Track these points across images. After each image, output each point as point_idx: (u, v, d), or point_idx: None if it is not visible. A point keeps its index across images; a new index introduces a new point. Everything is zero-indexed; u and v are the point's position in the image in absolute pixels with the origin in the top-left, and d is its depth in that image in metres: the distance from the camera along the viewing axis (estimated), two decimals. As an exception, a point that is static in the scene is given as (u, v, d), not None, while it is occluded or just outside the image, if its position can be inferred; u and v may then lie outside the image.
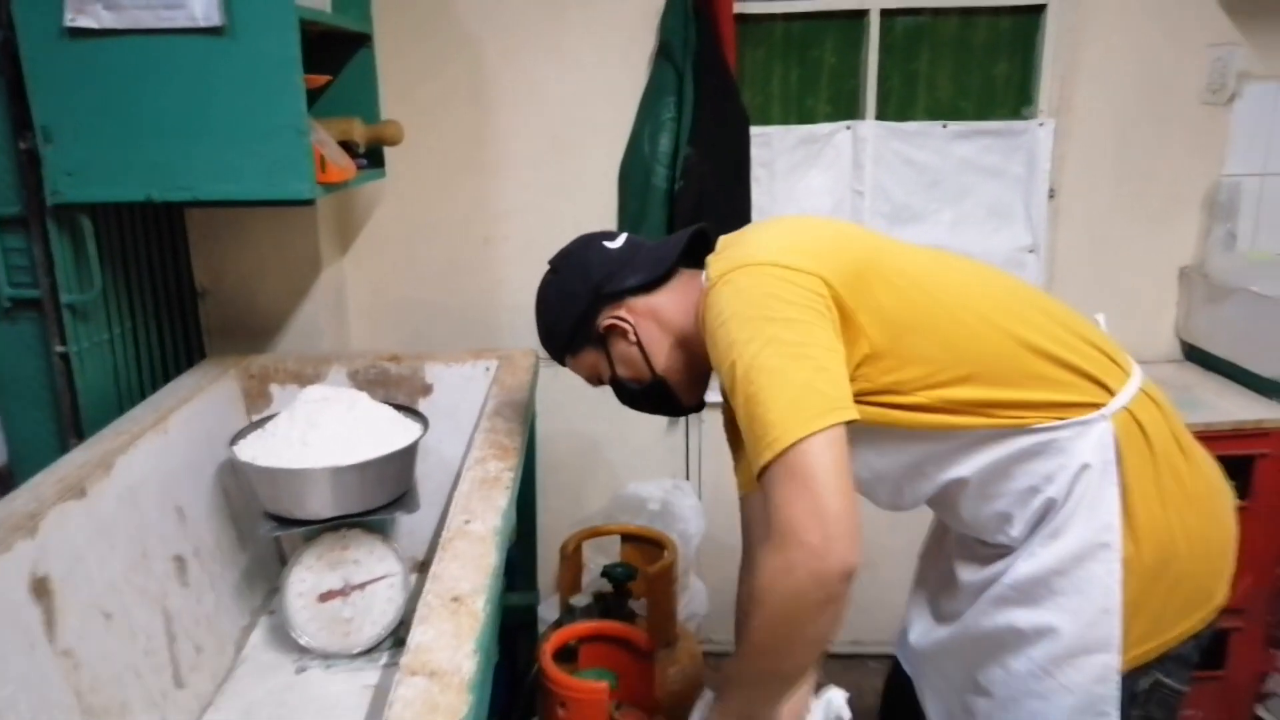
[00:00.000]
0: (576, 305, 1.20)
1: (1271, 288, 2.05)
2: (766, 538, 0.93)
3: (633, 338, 1.18)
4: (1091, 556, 1.04)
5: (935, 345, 1.03)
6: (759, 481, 0.94)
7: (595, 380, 1.28)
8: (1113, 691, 1.05)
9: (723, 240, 1.15)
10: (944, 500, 1.14)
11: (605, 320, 1.19)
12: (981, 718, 1.15)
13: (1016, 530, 1.09)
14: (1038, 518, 1.07)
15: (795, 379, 0.93)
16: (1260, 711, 2.17)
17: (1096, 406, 1.05)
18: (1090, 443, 1.04)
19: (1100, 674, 1.05)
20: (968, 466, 1.08)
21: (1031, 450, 1.05)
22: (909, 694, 1.32)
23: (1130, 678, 1.06)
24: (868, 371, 1.03)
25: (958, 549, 1.21)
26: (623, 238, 1.25)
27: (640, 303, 1.19)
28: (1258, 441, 1.96)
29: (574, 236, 1.33)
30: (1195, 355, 2.33)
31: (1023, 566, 1.07)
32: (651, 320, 1.18)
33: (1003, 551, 1.12)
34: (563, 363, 1.28)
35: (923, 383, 1.04)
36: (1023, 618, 1.07)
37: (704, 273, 1.10)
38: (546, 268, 1.28)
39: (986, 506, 1.10)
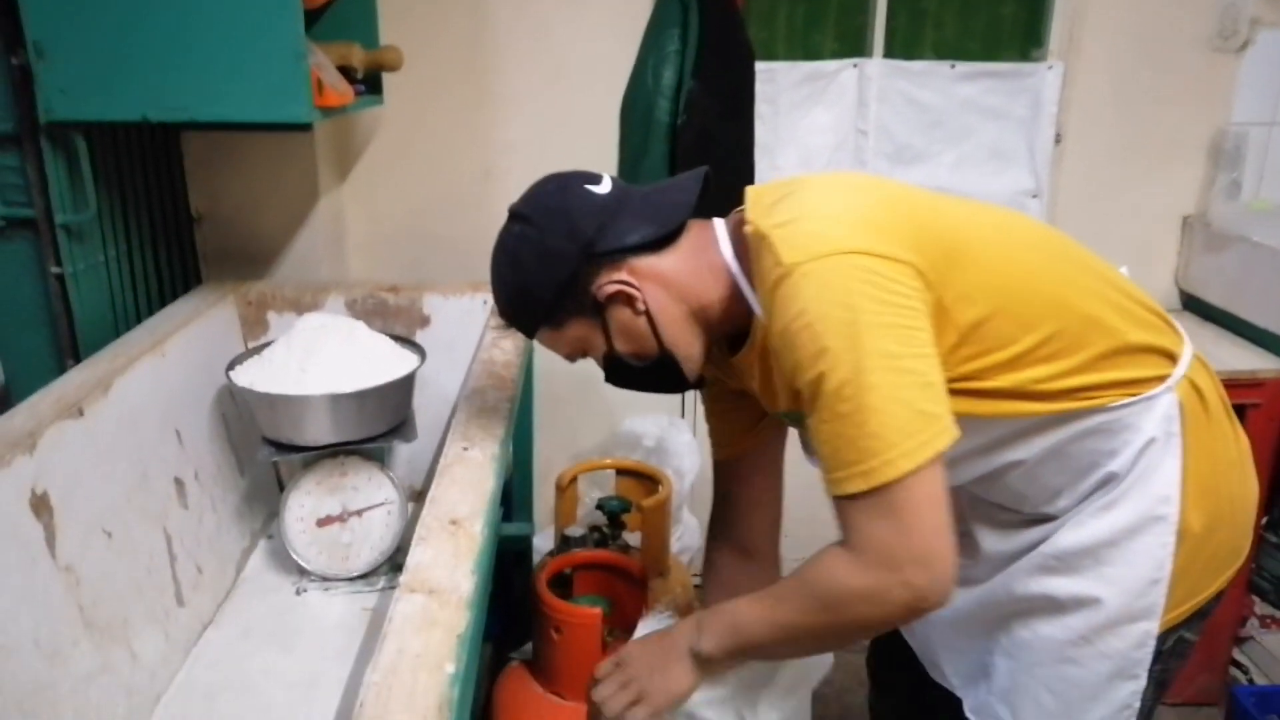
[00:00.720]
0: (562, 266, 0.99)
1: (1272, 237, 2.05)
2: (850, 550, 0.87)
3: (641, 306, 1.00)
4: (1145, 529, 1.01)
5: (1017, 327, 0.95)
6: (840, 501, 0.87)
7: (577, 356, 1.10)
8: (1148, 655, 1.05)
9: (760, 195, 0.99)
10: (988, 478, 1.07)
11: (606, 286, 1.00)
12: (1002, 677, 1.11)
13: (1064, 502, 1.05)
14: (1092, 490, 1.03)
15: (901, 397, 0.84)
16: (1237, 655, 2.23)
17: (1163, 379, 1.01)
18: (1156, 416, 1.00)
19: (1140, 640, 1.04)
20: (1030, 449, 1.01)
21: (1098, 428, 0.99)
22: (896, 643, 1.29)
23: (1161, 638, 1.06)
24: (947, 360, 0.93)
25: (975, 514, 1.14)
26: (607, 180, 1.05)
27: (644, 263, 1.00)
28: (1251, 391, 1.98)
29: (576, 170, 1.20)
30: (1193, 305, 2.34)
31: (1069, 536, 1.03)
32: (659, 285, 1.00)
33: (1037, 519, 1.08)
34: (530, 335, 1.08)
35: (1003, 368, 0.95)
36: (1062, 586, 1.04)
37: (721, 229, 1.00)
38: (508, 217, 1.05)
39: (1037, 483, 1.05)
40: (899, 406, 0.84)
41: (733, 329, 1.04)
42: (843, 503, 0.87)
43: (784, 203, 0.95)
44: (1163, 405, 1.01)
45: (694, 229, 1.03)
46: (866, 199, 0.96)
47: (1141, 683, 1.06)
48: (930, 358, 0.88)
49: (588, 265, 1.00)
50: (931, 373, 0.87)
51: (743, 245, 0.99)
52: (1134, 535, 1.01)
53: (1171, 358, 1.03)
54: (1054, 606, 1.05)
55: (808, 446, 1.15)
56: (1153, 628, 1.04)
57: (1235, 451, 1.08)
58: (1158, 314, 1.06)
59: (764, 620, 0.96)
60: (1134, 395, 0.99)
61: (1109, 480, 1.02)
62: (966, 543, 1.13)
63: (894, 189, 1.02)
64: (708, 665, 1.02)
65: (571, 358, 1.09)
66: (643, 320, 1.01)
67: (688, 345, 1.03)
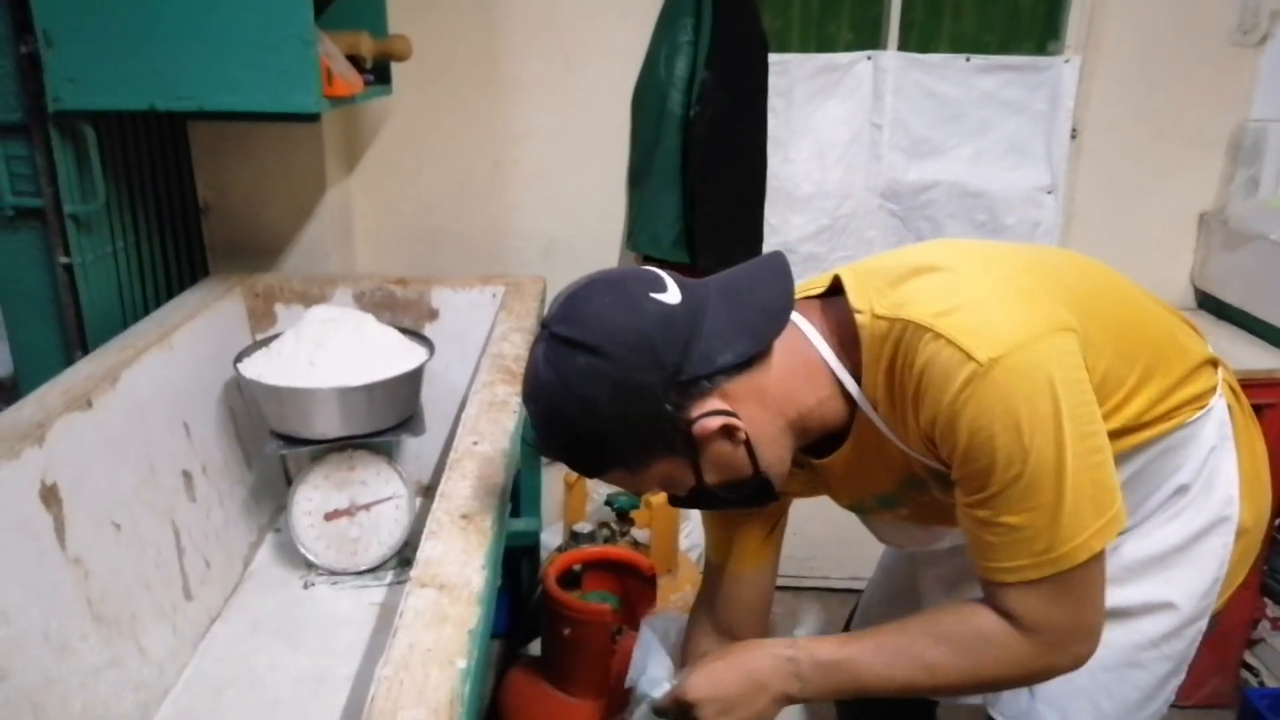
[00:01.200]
0: (646, 404, 0.83)
1: (1291, 235, 2.02)
2: (1021, 631, 0.85)
3: (742, 436, 0.87)
4: (1212, 531, 1.02)
5: (1124, 366, 0.91)
6: (1015, 586, 0.83)
7: (652, 492, 0.99)
8: (1194, 650, 1.06)
9: (863, 278, 0.90)
10: None
11: (704, 420, 0.85)
12: (1054, 683, 1.04)
13: (1134, 520, 1.02)
14: (1163, 502, 1.02)
15: (1094, 478, 0.81)
16: (1249, 658, 2.21)
17: (1214, 387, 1.01)
18: (1214, 423, 1.01)
19: (1194, 638, 1.05)
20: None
21: (1173, 445, 0.98)
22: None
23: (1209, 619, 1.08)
24: None
25: None
26: (670, 283, 0.87)
27: (739, 384, 0.86)
28: (1268, 391, 1.95)
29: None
30: (1209, 303, 2.31)
31: (1137, 547, 1.02)
32: (757, 404, 0.87)
33: None
34: (595, 477, 0.93)
35: (1116, 411, 0.91)
36: (1131, 595, 1.02)
37: (805, 320, 0.90)
38: (552, 340, 0.85)
39: None
40: (1093, 489, 0.81)
41: (823, 431, 0.94)
42: (1018, 587, 0.84)
43: (917, 285, 0.86)
44: (1218, 412, 1.02)
45: (788, 336, 0.91)
46: (1008, 268, 0.90)
47: (1183, 677, 1.08)
48: (1103, 429, 0.84)
49: (675, 398, 0.84)
50: (1107, 445, 0.84)
51: (842, 335, 0.90)
52: (1201, 539, 1.02)
53: (1214, 364, 1.04)
54: (1122, 614, 1.03)
55: (885, 536, 1.15)
56: (1204, 624, 1.06)
57: (1261, 443, 1.10)
58: (1190, 322, 1.07)
59: (896, 679, 0.90)
60: (1201, 407, 0.99)
61: (1179, 491, 1.01)
62: None
63: (1011, 249, 0.97)
64: (792, 702, 0.96)
65: (642, 494, 0.99)
66: (741, 450, 0.88)
67: (781, 463, 0.92)
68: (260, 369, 1.54)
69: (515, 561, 2.12)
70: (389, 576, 1.60)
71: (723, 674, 0.95)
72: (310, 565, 1.59)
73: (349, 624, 1.49)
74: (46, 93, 1.45)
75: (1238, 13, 2.14)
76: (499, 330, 1.64)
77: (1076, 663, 0.87)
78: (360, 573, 1.60)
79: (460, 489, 1.10)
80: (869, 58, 2.15)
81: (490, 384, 1.40)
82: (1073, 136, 2.20)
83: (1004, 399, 0.79)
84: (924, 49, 2.18)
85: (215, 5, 1.41)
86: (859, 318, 0.87)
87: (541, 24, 2.12)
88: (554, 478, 2.22)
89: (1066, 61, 2.15)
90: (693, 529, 2.26)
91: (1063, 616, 0.84)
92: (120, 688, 1.19)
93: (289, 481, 1.80)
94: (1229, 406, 1.04)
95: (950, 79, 2.16)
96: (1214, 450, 1.01)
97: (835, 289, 0.93)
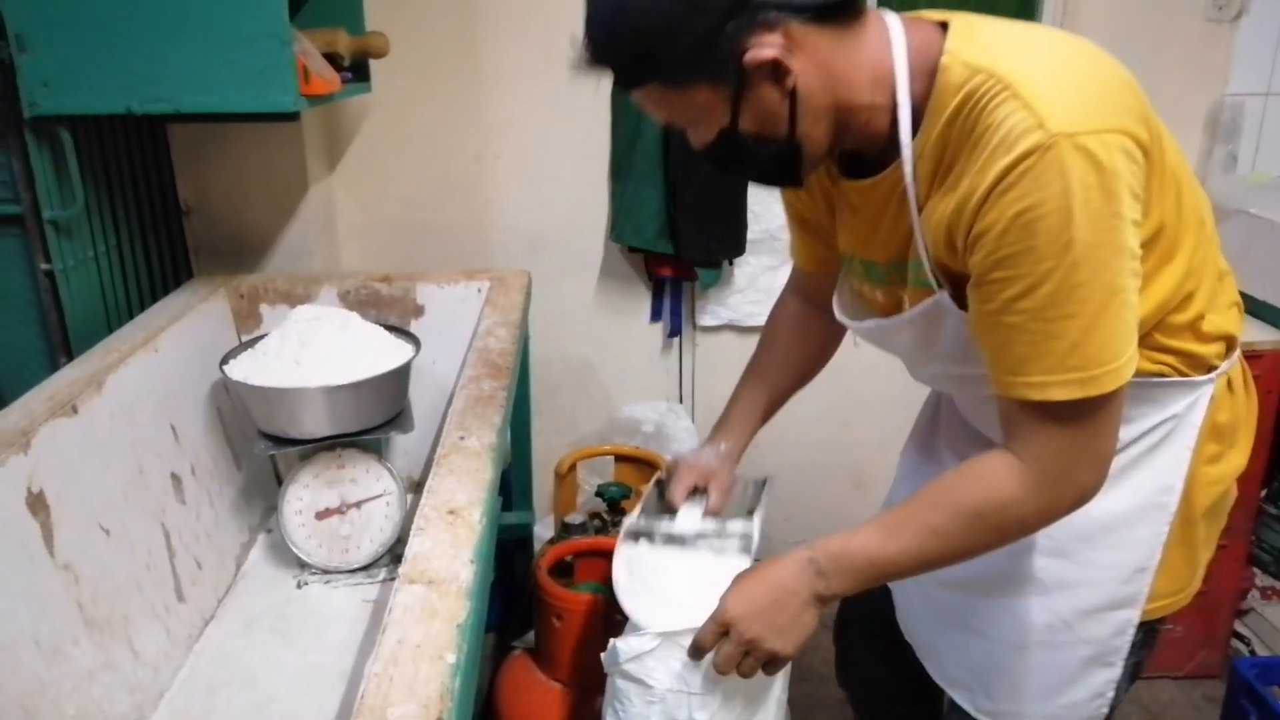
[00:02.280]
0: (711, 14, 0.78)
1: (1270, 210, 2.04)
2: (1021, 461, 0.83)
3: (790, 84, 0.82)
4: (1144, 517, 0.98)
5: (1165, 259, 0.86)
6: (1027, 405, 0.80)
7: (680, 125, 0.89)
8: (1126, 644, 1.03)
9: (968, 28, 0.85)
10: None
11: (760, 49, 0.80)
12: (977, 655, 1.09)
13: None
14: None
15: (1132, 303, 0.78)
16: (1239, 627, 2.23)
17: (1213, 368, 0.97)
18: (1188, 401, 0.96)
19: (1120, 628, 1.02)
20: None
21: (1131, 394, 0.87)
22: (876, 604, 1.26)
23: (1142, 627, 1.04)
24: None
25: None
26: None
27: (806, 33, 0.81)
28: (1250, 363, 1.93)
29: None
30: (1190, 278, 2.33)
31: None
32: (814, 65, 0.82)
33: None
34: (626, 87, 0.86)
35: (1156, 313, 0.87)
36: (1050, 568, 1.01)
37: (898, 31, 0.85)
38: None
39: None
40: (1131, 314, 0.78)
41: (857, 147, 0.91)
42: (1029, 407, 0.80)
43: (1012, 46, 0.82)
44: (1201, 397, 0.97)
45: (868, 16, 0.86)
46: (1103, 65, 0.84)
47: (1117, 671, 1.04)
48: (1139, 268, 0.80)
49: (739, 18, 0.79)
50: (1138, 279, 0.80)
51: (924, 64, 0.84)
52: (1130, 523, 0.98)
53: (1230, 348, 0.99)
54: (1038, 588, 1.02)
55: (849, 310, 1.08)
56: (1134, 616, 1.02)
57: (1248, 433, 1.05)
58: (1240, 305, 1.04)
59: (909, 555, 0.88)
60: (1188, 374, 0.95)
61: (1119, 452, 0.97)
62: None
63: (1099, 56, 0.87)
64: (831, 600, 0.95)
65: (670, 125, 0.91)
66: (785, 102, 0.83)
67: (817, 143, 0.87)
68: (246, 370, 1.54)
69: (508, 554, 2.13)
70: (382, 573, 1.61)
71: (753, 589, 0.95)
72: (303, 564, 1.59)
73: (343, 621, 1.50)
74: (21, 98, 1.44)
75: (1213, -12, 2.16)
76: (484, 324, 1.64)
77: (1084, 495, 0.83)
78: (353, 570, 1.60)
79: (447, 484, 1.10)
80: (848, 42, 2.15)
81: (476, 379, 1.40)
82: (1052, 116, 2.21)
83: (1063, 177, 0.73)
84: (902, 32, 2.18)
85: (189, 6, 1.40)
86: (946, 58, 0.82)
87: (519, 16, 2.12)
88: (545, 470, 2.23)
89: (1044, 41, 2.16)
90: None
91: (1071, 443, 0.80)
92: (114, 690, 1.20)
93: (279, 480, 1.80)
94: (1214, 396, 0.97)
95: (929, 62, 2.17)
96: (1172, 429, 0.96)
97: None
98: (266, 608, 1.53)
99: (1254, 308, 2.09)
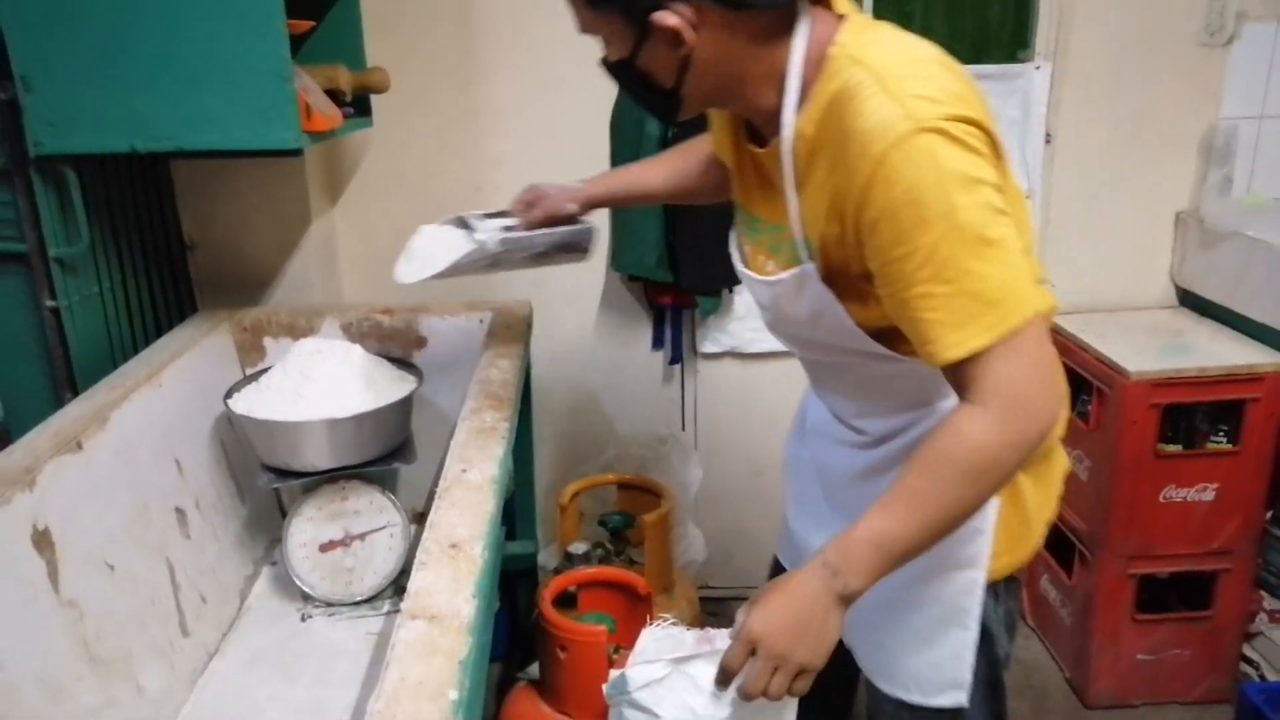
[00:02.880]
0: None
1: (1266, 232, 2.05)
2: (979, 406, 0.88)
3: (684, 52, 0.93)
4: None
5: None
6: (963, 363, 0.87)
7: (590, 34, 1.02)
8: (975, 605, 1.09)
9: (854, 28, 0.94)
10: (866, 381, 1.11)
11: (665, 15, 0.91)
12: (854, 616, 1.08)
13: (895, 422, 1.10)
14: (930, 420, 1.07)
15: (1018, 247, 0.87)
16: (1247, 651, 2.22)
17: None
18: None
19: (966, 588, 1.09)
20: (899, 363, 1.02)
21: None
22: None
23: (993, 585, 1.10)
24: None
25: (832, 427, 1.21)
26: None
27: (717, 16, 0.91)
28: (1249, 386, 1.98)
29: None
30: (1190, 300, 2.34)
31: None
32: (718, 46, 0.93)
33: (871, 440, 1.14)
34: None
35: None
36: None
37: (802, 33, 0.94)
38: None
39: (881, 392, 1.10)
40: (1016, 257, 0.86)
41: (748, 117, 1.03)
42: (964, 364, 0.87)
43: (889, 47, 0.91)
44: None
45: (783, 14, 0.95)
46: (962, 74, 0.93)
47: (972, 634, 1.10)
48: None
49: None
50: (1013, 231, 0.88)
51: (816, 56, 0.93)
52: None
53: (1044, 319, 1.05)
54: None
55: (738, 254, 1.16)
56: (978, 576, 1.08)
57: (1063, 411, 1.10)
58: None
59: (910, 526, 0.91)
60: None
61: (932, 415, 1.07)
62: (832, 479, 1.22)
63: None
64: (854, 599, 0.95)
65: (584, 31, 1.02)
66: (676, 62, 0.94)
67: (698, 101, 1.00)
68: (249, 404, 1.55)
69: (512, 584, 2.13)
70: (385, 606, 1.61)
71: (773, 602, 0.95)
72: (306, 597, 1.59)
73: (346, 655, 1.50)
74: (26, 138, 1.46)
75: (1204, 14, 2.18)
76: (486, 356, 1.65)
77: (1047, 421, 0.88)
78: (357, 603, 1.60)
79: (449, 518, 1.10)
80: (843, 72, 2.18)
81: (478, 410, 1.41)
82: (1047, 142, 2.23)
83: (932, 157, 0.84)
84: (897, 61, 2.20)
85: (192, 45, 1.43)
86: (834, 49, 0.92)
87: (517, 49, 2.14)
88: (549, 499, 2.23)
89: (1037, 68, 2.18)
90: (688, 545, 2.27)
91: (1018, 375, 0.86)
92: (117, 729, 1.20)
93: (283, 512, 1.81)
94: None
95: (924, 90, 2.19)
96: None
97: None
98: (270, 642, 1.53)
99: (1252, 330, 2.10)
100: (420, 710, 0.78)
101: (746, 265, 1.14)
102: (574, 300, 2.32)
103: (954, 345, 0.86)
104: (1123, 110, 2.23)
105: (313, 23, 1.78)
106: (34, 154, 1.47)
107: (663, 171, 1.41)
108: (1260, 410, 1.98)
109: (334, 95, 1.77)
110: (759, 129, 1.03)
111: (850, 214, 0.90)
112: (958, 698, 1.12)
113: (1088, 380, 2.14)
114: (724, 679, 0.97)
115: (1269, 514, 2.09)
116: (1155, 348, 2.10)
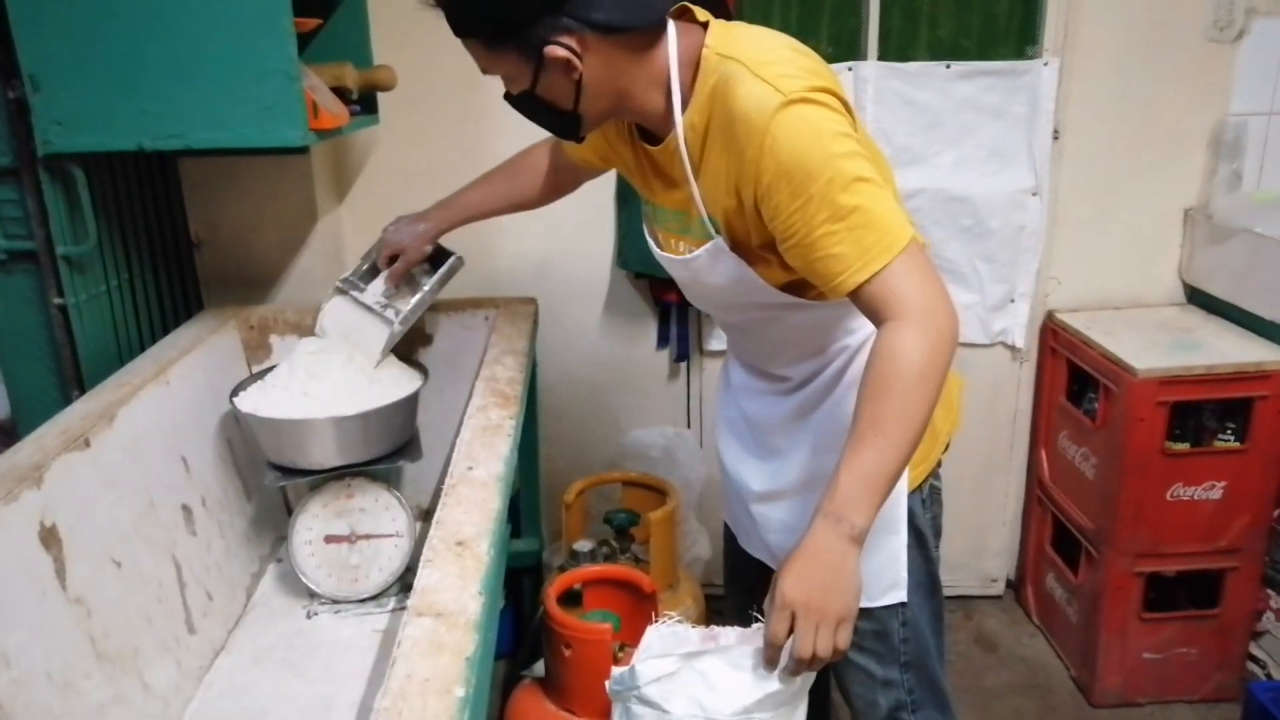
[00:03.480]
0: (523, 6, 1.00)
1: (1276, 229, 2.04)
2: (892, 321, 0.99)
3: (576, 77, 1.05)
4: None
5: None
6: (868, 285, 0.99)
7: (485, 71, 1.12)
8: (902, 513, 1.24)
9: (722, 30, 1.08)
10: (774, 328, 1.26)
11: (556, 48, 1.02)
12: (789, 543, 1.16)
13: (809, 367, 1.26)
14: (831, 360, 1.25)
15: (887, 191, 1.02)
16: (1254, 649, 2.21)
17: None
18: None
19: (893, 499, 1.19)
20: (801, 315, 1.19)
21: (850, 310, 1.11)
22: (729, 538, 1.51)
23: (915, 493, 1.26)
24: None
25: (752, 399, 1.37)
26: None
27: (598, 42, 1.03)
28: (1258, 384, 1.97)
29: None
30: (1198, 298, 2.33)
31: (822, 422, 1.26)
32: (601, 67, 1.05)
33: (789, 385, 1.30)
34: (456, 34, 1.09)
35: None
36: (825, 463, 1.13)
37: (672, 38, 1.07)
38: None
39: (791, 342, 1.26)
40: (885, 192, 1.02)
41: (640, 121, 1.16)
42: (871, 284, 0.99)
43: (749, 40, 1.06)
44: None
45: (650, 28, 1.07)
46: (812, 54, 1.09)
47: (902, 538, 1.25)
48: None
49: (547, 16, 1.01)
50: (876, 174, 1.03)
51: (692, 56, 1.07)
52: None
53: None
54: (821, 480, 1.10)
55: (654, 242, 1.29)
56: (901, 487, 1.22)
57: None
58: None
59: (886, 451, 0.99)
60: None
61: (844, 352, 1.24)
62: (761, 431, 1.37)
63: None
64: (863, 537, 1.01)
65: (486, 73, 1.12)
66: (571, 86, 1.06)
67: (596, 116, 1.12)
68: (255, 402, 1.55)
69: (517, 582, 2.13)
70: (391, 603, 1.61)
71: (796, 567, 1.00)
72: (312, 594, 1.60)
73: (352, 651, 1.50)
74: (35, 136, 1.47)
75: (1213, 9, 2.17)
76: (491, 353, 1.65)
77: (955, 325, 1.00)
78: (363, 600, 1.60)
79: (455, 515, 1.11)
80: (849, 69, 2.17)
81: (484, 408, 1.41)
82: (1055, 138, 2.22)
83: (805, 120, 0.99)
84: (903, 58, 2.20)
85: (199, 44, 1.43)
86: (705, 51, 1.06)
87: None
88: (554, 496, 2.23)
89: (1045, 64, 2.17)
90: (693, 543, 2.27)
91: (918, 284, 0.99)
92: (125, 725, 1.20)
93: (289, 509, 1.81)
94: None
95: (930, 86, 2.18)
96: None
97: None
98: (276, 638, 1.53)
99: (1261, 327, 2.09)
100: (427, 706, 0.79)
101: (661, 249, 1.28)
102: (579, 298, 2.33)
103: (860, 269, 0.99)
104: (1131, 106, 2.22)
105: (319, 20, 1.78)
106: (42, 153, 1.48)
107: (498, 191, 1.62)
108: (1268, 408, 1.97)
109: (340, 93, 1.77)
110: (650, 130, 1.15)
111: (748, 185, 1.04)
112: (899, 595, 1.27)
113: (1095, 377, 2.13)
114: (772, 655, 1.01)
115: (1277, 512, 2.08)
116: (1163, 345, 2.09)
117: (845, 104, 1.05)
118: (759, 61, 1.02)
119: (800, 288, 1.16)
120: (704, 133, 1.08)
